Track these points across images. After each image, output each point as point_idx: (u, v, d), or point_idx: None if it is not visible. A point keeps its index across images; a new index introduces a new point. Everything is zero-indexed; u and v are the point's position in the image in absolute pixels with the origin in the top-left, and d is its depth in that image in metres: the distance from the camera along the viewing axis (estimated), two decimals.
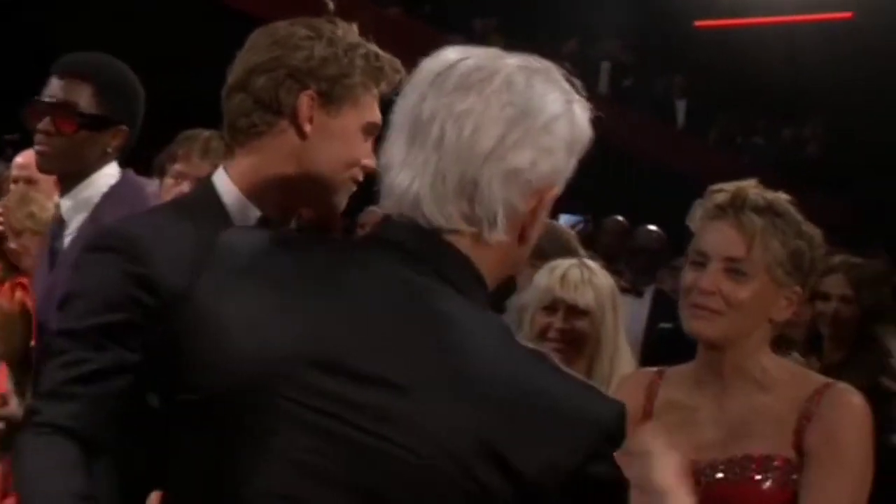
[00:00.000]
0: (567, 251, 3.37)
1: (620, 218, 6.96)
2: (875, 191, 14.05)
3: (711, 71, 14.25)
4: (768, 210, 2.17)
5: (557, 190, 1.43)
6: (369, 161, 2.03)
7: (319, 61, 2.06)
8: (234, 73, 2.09)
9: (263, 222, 2.04)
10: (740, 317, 2.13)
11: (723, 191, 2.20)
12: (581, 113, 1.41)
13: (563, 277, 2.90)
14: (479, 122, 1.35)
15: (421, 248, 1.36)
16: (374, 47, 2.11)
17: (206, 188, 2.10)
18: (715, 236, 2.17)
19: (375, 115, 2.08)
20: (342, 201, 2.12)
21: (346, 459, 1.26)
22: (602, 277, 2.94)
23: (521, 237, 1.41)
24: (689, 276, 2.18)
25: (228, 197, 2.06)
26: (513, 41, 13.00)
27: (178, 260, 1.79)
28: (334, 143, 2.09)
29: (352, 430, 1.26)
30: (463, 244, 1.37)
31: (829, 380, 2.18)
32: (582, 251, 3.59)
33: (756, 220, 2.16)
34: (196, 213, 2.00)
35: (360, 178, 2.08)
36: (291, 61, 2.06)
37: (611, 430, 1.30)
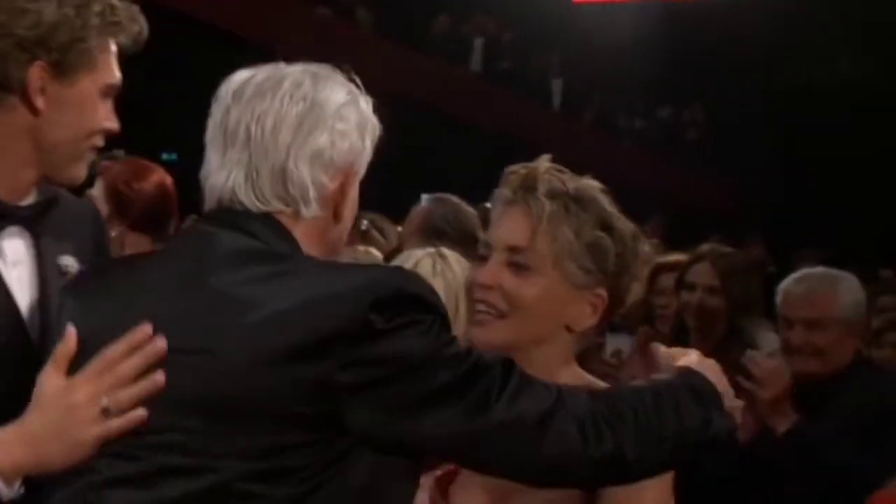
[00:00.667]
0: (466, 234, 3.44)
1: (489, 205, 6.93)
2: (757, 175, 14.41)
3: (589, 49, 14.38)
4: (564, 194, 1.96)
5: (360, 170, 1.73)
6: (110, 124, 2.07)
7: (49, 28, 1.99)
8: None
9: None
10: (527, 321, 1.92)
11: (516, 172, 2.00)
12: (365, 103, 1.74)
13: (413, 270, 2.88)
14: (277, 119, 1.66)
15: (235, 222, 1.65)
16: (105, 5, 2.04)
17: None
18: (500, 223, 1.99)
19: (114, 75, 2.07)
20: (82, 172, 2.12)
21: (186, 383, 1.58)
22: (457, 268, 2.92)
23: (336, 214, 1.71)
24: (471, 272, 2.02)
25: None
26: (380, 15, 12.98)
27: None
28: (71, 114, 2.05)
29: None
30: (283, 220, 1.66)
31: None
32: (482, 234, 3.58)
33: (545, 205, 1.94)
34: None
35: (102, 143, 2.10)
36: (17, 30, 1.98)
37: (378, 296, 1.54)
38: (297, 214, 1.67)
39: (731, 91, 15.18)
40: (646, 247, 2.07)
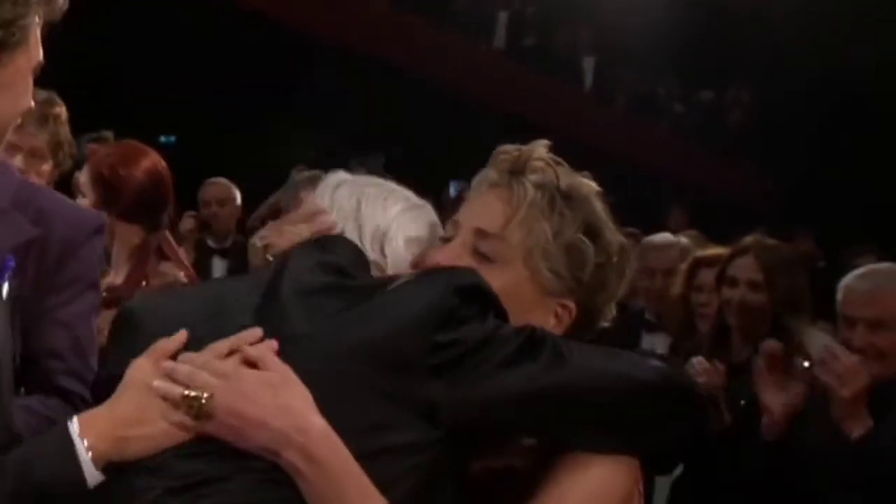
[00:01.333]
0: None
1: None
2: (805, 166, 14.22)
3: (622, 25, 14.26)
4: (553, 187, 1.88)
5: None
6: (32, 102, 2.11)
7: None
8: None
9: None
10: None
11: (507, 153, 1.93)
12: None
13: None
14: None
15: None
16: None
17: None
18: (475, 204, 1.93)
19: (40, 53, 2.09)
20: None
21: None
22: None
23: None
24: (428, 251, 1.94)
25: None
26: None
27: None
28: (6, 95, 2.05)
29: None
30: None
31: None
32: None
33: (528, 193, 1.86)
34: None
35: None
36: None
37: (443, 305, 1.68)
38: None
39: (777, 72, 14.99)
40: (631, 266, 1.97)
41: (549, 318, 1.87)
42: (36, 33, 2.06)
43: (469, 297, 1.71)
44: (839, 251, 8.70)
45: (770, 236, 4.36)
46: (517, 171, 1.89)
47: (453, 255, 1.88)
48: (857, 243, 8.47)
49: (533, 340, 1.72)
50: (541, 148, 1.93)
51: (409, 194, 2.05)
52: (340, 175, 2.06)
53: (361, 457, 1.63)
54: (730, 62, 15.11)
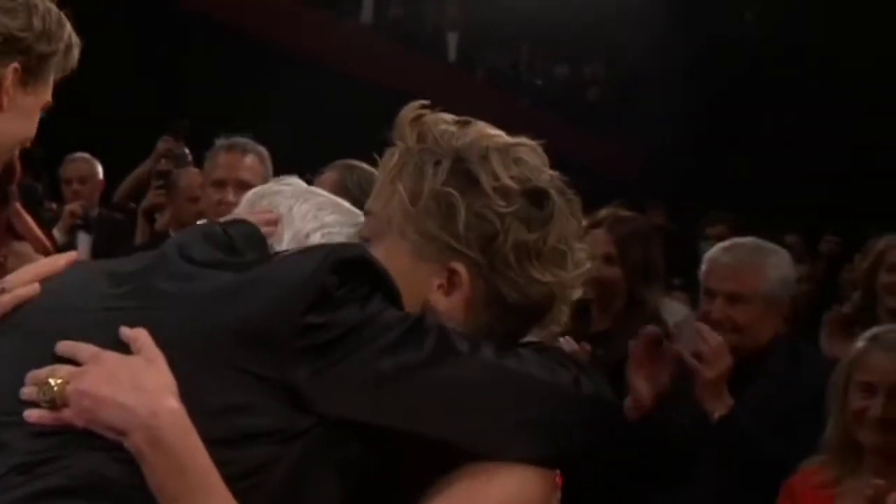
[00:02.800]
0: None
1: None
2: (661, 138, 14.48)
3: (485, 2, 14.34)
4: (414, 144, 1.71)
5: None
6: (33, 135, 2.24)
7: (35, 35, 2.16)
8: None
9: None
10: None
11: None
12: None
13: None
14: None
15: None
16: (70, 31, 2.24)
17: None
18: None
19: (49, 95, 2.25)
20: None
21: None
22: None
23: None
24: None
25: None
26: None
27: None
28: (20, 120, 2.22)
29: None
30: None
31: None
32: None
33: (390, 159, 1.72)
34: None
35: (16, 154, 2.36)
36: (11, 29, 2.14)
37: (318, 281, 1.55)
38: None
39: (632, 47, 15.22)
40: (561, 215, 1.71)
41: (433, 284, 1.67)
42: (51, 79, 2.23)
43: (351, 273, 1.57)
44: (693, 221, 8.88)
45: (628, 209, 4.37)
46: (392, 142, 1.74)
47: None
48: (711, 212, 8.65)
49: (418, 329, 1.58)
50: (412, 111, 1.74)
51: (349, 207, 1.97)
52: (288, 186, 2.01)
53: (220, 441, 1.53)
54: (587, 38, 15.30)
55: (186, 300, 1.62)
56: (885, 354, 3.31)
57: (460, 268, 1.66)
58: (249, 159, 4.14)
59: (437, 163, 1.68)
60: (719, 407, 3.42)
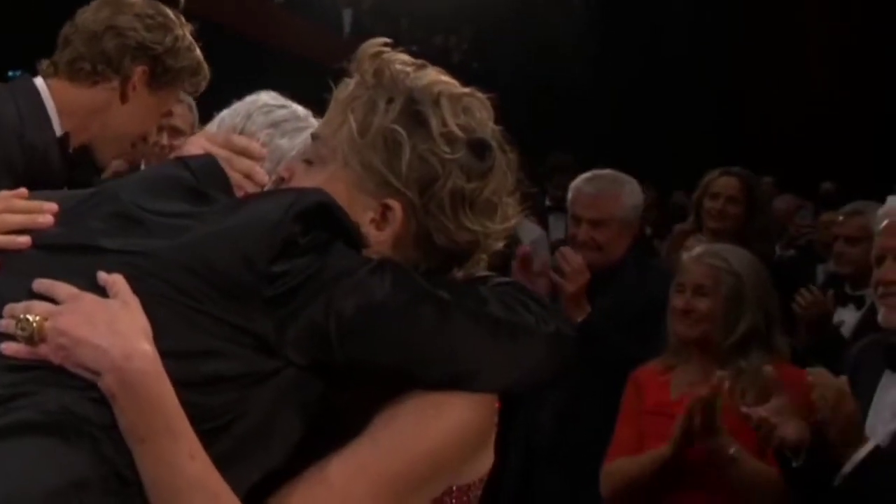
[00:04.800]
0: None
1: None
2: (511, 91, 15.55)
3: None
4: (371, 79, 1.67)
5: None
6: (150, 136, 2.56)
7: (166, 49, 2.44)
8: (92, 20, 2.43)
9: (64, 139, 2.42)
10: None
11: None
12: None
13: None
14: None
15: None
16: (200, 60, 2.48)
17: (27, 87, 2.43)
18: None
19: (172, 105, 2.59)
20: (110, 161, 2.64)
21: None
22: None
23: None
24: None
25: (49, 104, 2.43)
26: None
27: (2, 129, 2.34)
28: (141, 114, 2.47)
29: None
30: None
31: None
32: None
33: (345, 89, 1.69)
34: (20, 102, 2.41)
35: (130, 146, 2.54)
36: (147, 39, 2.40)
37: (282, 231, 1.54)
38: None
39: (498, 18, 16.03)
40: (499, 169, 1.69)
41: (366, 216, 1.64)
42: (177, 92, 2.52)
43: (313, 220, 1.55)
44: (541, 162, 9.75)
45: None
46: (349, 74, 1.72)
47: (292, 163, 1.80)
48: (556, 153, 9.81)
49: (378, 270, 1.57)
50: (373, 46, 1.72)
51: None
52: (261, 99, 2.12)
53: (189, 384, 1.50)
54: (451, 11, 16.12)
55: (157, 251, 1.57)
56: (692, 259, 3.49)
57: (395, 205, 1.63)
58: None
59: (390, 100, 1.65)
60: (580, 313, 3.70)
